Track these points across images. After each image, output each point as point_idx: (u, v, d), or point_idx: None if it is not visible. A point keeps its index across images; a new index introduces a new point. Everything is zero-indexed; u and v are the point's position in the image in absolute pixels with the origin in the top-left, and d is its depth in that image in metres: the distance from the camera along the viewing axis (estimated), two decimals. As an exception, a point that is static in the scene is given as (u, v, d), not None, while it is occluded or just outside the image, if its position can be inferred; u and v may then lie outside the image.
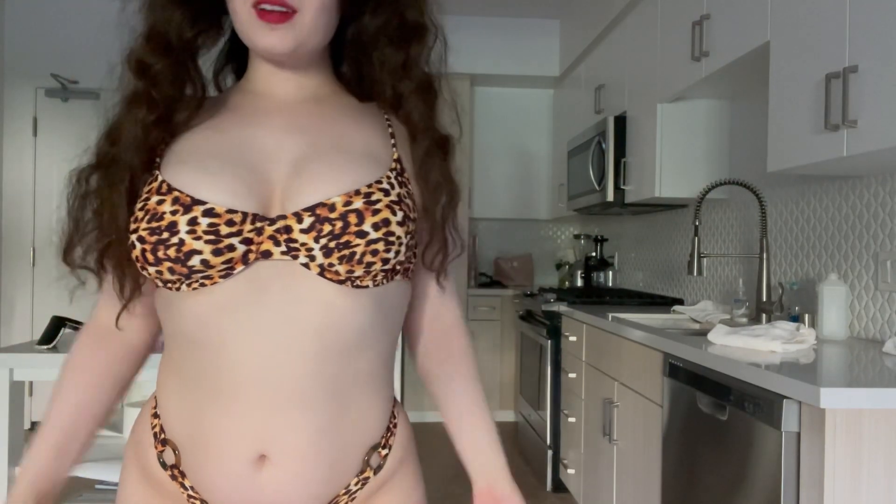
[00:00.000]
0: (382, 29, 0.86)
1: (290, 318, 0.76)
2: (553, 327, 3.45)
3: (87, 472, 1.95)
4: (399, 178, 0.83)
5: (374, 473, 0.88)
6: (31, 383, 4.54)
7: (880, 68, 1.63)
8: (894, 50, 1.59)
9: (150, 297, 0.89)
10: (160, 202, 0.76)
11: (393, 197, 0.80)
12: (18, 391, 1.97)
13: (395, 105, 0.89)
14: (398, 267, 0.82)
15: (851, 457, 1.35)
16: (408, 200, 0.82)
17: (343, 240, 0.76)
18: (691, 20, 2.63)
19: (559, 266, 5.09)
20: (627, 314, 2.88)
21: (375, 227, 0.77)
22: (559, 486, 3.47)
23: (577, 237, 4.98)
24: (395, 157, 0.85)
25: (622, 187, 3.39)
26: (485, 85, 5.07)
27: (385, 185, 0.80)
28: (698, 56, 2.55)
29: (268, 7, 0.77)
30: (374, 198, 0.78)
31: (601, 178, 3.54)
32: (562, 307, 3.36)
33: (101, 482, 2.18)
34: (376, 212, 0.77)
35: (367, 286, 0.79)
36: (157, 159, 0.81)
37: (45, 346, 1.99)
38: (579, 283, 4.56)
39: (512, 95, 5.13)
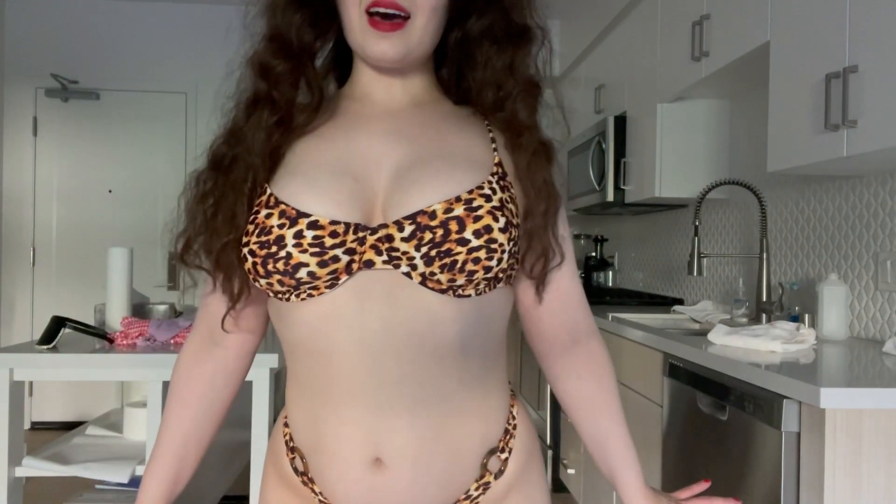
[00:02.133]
0: (488, 31, 0.86)
1: (391, 325, 0.76)
2: (553, 327, 3.45)
3: (87, 472, 1.95)
4: (501, 183, 0.81)
5: (495, 478, 0.87)
6: (31, 383, 4.55)
7: (880, 68, 1.63)
8: (894, 50, 1.59)
9: (256, 310, 0.91)
10: (268, 216, 0.77)
11: (495, 202, 0.78)
12: (18, 391, 1.97)
13: (497, 107, 0.87)
14: (500, 275, 0.80)
15: (851, 457, 1.35)
16: (510, 205, 0.80)
17: (444, 248, 0.75)
18: (691, 20, 2.63)
19: (559, 266, 5.09)
20: (627, 314, 2.88)
21: (477, 234, 0.75)
22: (559, 486, 3.46)
23: (577, 237, 4.97)
24: (497, 160, 0.83)
25: (622, 187, 3.39)
26: (485, 85, 5.05)
27: (486, 191, 0.78)
28: (698, 56, 2.55)
29: (381, 11, 0.77)
30: (475, 204, 0.77)
31: (601, 178, 3.54)
32: (562, 307, 3.35)
33: (101, 482, 2.18)
34: (478, 218, 0.76)
35: (469, 295, 0.78)
36: (277, 164, 0.81)
37: (45, 346, 1.99)
38: (579, 283, 4.56)
39: (512, 95, 5.12)
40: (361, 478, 0.80)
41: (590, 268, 4.52)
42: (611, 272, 4.43)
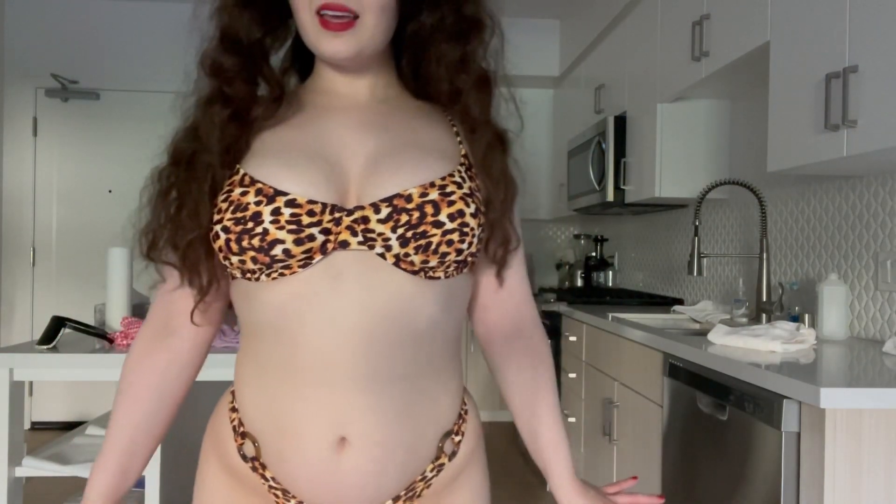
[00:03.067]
0: (439, 25, 0.88)
1: (364, 306, 0.78)
2: (553, 327, 3.45)
3: (87, 472, 1.95)
4: (468, 173, 0.86)
5: (449, 460, 0.89)
6: (31, 383, 4.54)
7: (880, 68, 1.63)
8: (894, 50, 1.59)
9: (223, 304, 0.91)
10: (244, 193, 0.78)
11: (465, 189, 0.82)
12: (18, 391, 1.97)
13: (452, 100, 0.90)
14: (469, 258, 0.84)
15: (851, 457, 1.35)
16: (477, 194, 0.85)
17: (420, 230, 0.78)
18: (691, 20, 2.63)
19: (559, 266, 5.09)
20: (627, 314, 2.88)
21: (451, 217, 0.79)
22: (559, 486, 3.46)
23: (577, 237, 4.97)
24: (463, 153, 0.88)
25: (622, 187, 3.39)
26: (485, 85, 5.05)
27: (457, 179, 0.83)
28: (698, 56, 2.55)
29: (330, 13, 0.79)
30: (448, 190, 0.81)
31: (601, 178, 3.54)
32: (562, 307, 3.36)
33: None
34: (451, 203, 0.80)
35: (438, 277, 0.82)
36: (240, 157, 0.83)
37: (45, 346, 1.99)
38: (579, 283, 4.56)
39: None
40: (324, 458, 0.81)
41: (590, 268, 4.52)
42: (611, 272, 4.43)
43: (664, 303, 3.37)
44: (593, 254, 4.58)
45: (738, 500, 1.65)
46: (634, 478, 1.00)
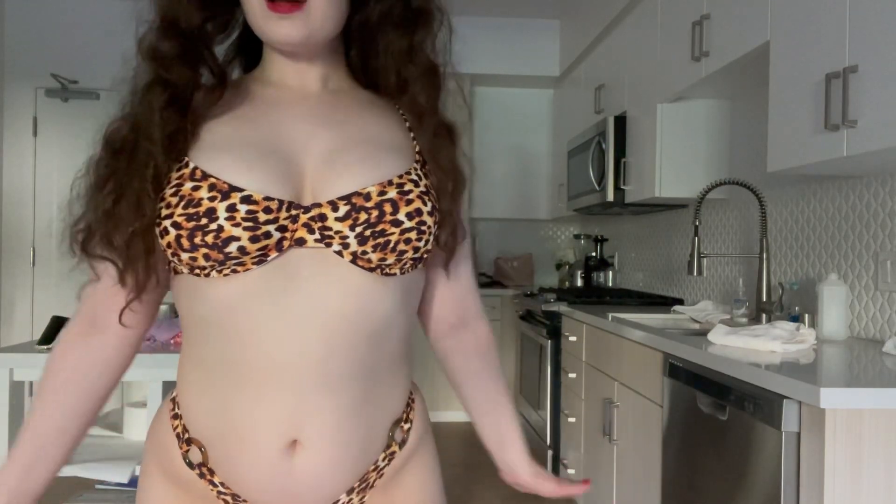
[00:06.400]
0: (387, 15, 0.87)
1: (320, 303, 0.77)
2: (553, 327, 3.45)
3: (87, 472, 1.95)
4: (423, 170, 0.85)
5: (400, 448, 0.89)
6: (31, 383, 4.54)
7: (880, 68, 1.63)
8: (894, 50, 1.59)
9: (149, 301, 0.88)
10: (195, 188, 0.75)
11: (422, 188, 0.82)
12: (18, 391, 1.97)
13: (400, 90, 0.89)
14: (424, 255, 0.84)
15: (851, 457, 1.35)
16: (433, 192, 0.84)
17: (378, 228, 0.78)
18: (691, 20, 2.63)
19: (559, 266, 5.09)
20: (627, 314, 2.88)
21: (409, 216, 0.79)
22: (559, 486, 3.46)
23: (577, 237, 4.97)
24: (417, 149, 0.87)
25: (622, 187, 3.39)
26: (485, 85, 5.06)
27: (413, 177, 0.82)
28: (698, 56, 2.55)
29: None
30: (406, 188, 0.80)
31: (601, 178, 3.54)
32: (562, 307, 3.36)
33: (101, 482, 2.18)
34: (409, 202, 0.80)
35: (394, 274, 0.81)
36: (186, 147, 0.79)
37: (45, 346, 1.99)
38: (579, 283, 4.56)
39: (512, 95, 5.13)
40: (276, 461, 0.79)
41: (590, 268, 4.52)
42: (611, 272, 4.43)
43: (664, 303, 3.37)
44: (593, 254, 4.58)
45: (738, 500, 1.65)
46: (586, 481, 0.99)
